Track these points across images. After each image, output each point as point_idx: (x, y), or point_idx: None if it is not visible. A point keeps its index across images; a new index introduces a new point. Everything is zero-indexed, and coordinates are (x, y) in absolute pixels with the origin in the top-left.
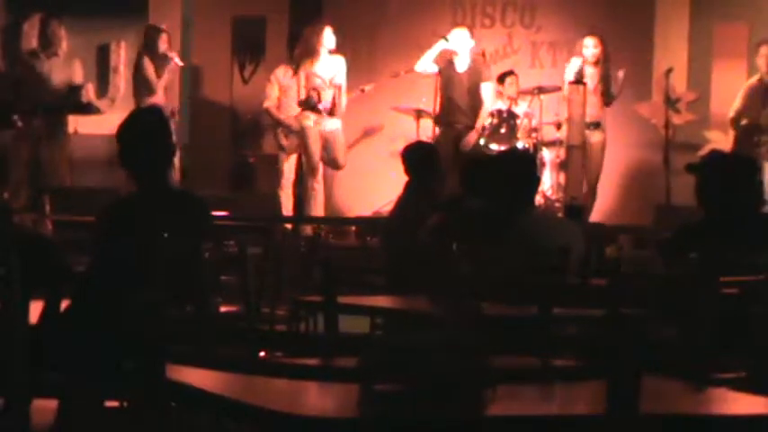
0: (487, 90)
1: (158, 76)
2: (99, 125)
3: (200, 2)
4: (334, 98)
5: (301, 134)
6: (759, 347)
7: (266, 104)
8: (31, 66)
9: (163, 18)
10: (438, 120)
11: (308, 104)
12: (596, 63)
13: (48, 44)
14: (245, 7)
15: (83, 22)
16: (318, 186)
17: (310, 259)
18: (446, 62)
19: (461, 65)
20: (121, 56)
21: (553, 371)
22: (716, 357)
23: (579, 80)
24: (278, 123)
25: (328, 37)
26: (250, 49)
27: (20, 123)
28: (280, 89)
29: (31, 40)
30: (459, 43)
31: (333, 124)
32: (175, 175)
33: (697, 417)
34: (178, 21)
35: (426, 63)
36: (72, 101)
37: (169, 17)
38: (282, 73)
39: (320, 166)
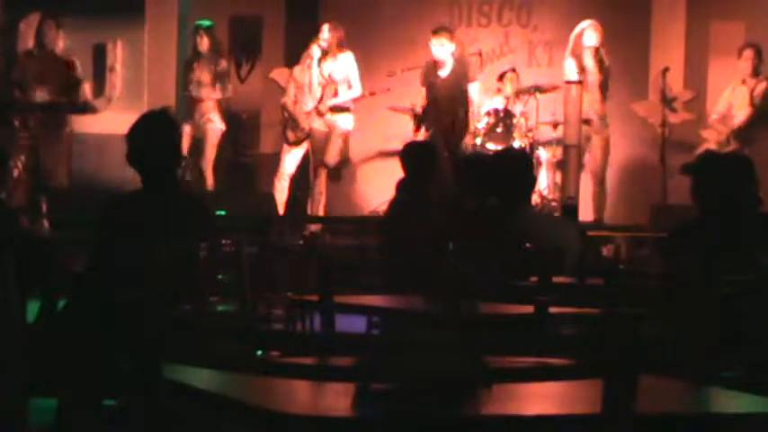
0: (474, 91)
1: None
2: (96, 125)
3: (197, 1)
4: (335, 93)
5: (311, 137)
6: (756, 346)
7: (283, 100)
8: (28, 65)
9: (160, 18)
10: (422, 122)
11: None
12: (597, 51)
13: (44, 44)
14: (242, 6)
15: (80, 22)
16: (319, 188)
17: (307, 258)
18: (429, 67)
19: (444, 70)
20: (118, 55)
21: (549, 370)
22: (713, 356)
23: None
24: (291, 119)
25: (323, 34)
26: (247, 48)
27: (17, 123)
28: (296, 86)
29: (28, 39)
30: (439, 52)
31: (341, 122)
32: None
33: (694, 416)
34: (175, 20)
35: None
36: (69, 100)
37: (166, 16)
38: (299, 71)
39: (323, 171)
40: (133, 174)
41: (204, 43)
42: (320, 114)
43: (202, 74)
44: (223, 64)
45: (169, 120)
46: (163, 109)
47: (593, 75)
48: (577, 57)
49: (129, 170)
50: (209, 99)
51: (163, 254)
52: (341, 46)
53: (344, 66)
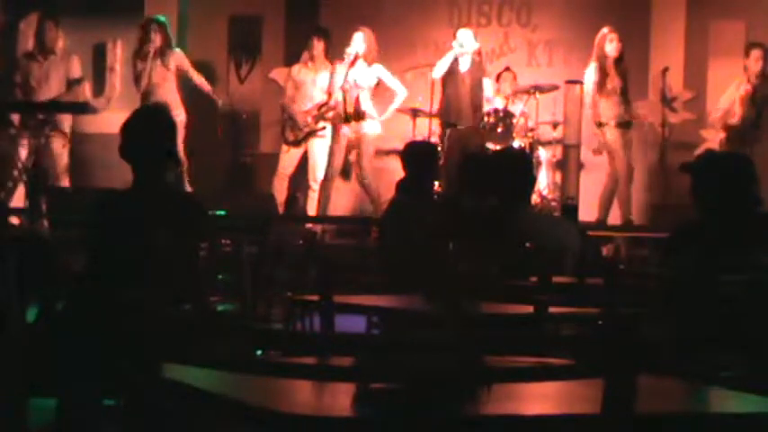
0: (487, 85)
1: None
2: (96, 124)
3: (196, 1)
4: (357, 100)
5: (333, 139)
6: (756, 346)
7: (283, 100)
8: (28, 65)
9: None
10: (441, 119)
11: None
12: (618, 59)
13: (44, 45)
14: (242, 6)
15: (80, 22)
16: (328, 190)
17: (307, 258)
18: (451, 62)
19: (464, 64)
20: (117, 55)
21: (549, 370)
22: (713, 356)
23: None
24: (291, 118)
25: (357, 41)
26: (246, 48)
27: (17, 123)
28: (294, 86)
29: (27, 40)
30: (465, 44)
31: (366, 128)
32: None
33: (694, 416)
34: (175, 19)
35: (442, 69)
36: (70, 98)
37: (166, 16)
38: (297, 70)
39: (337, 174)
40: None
41: (158, 39)
42: (358, 118)
43: (154, 70)
44: (180, 61)
45: (163, 116)
46: (157, 104)
47: (615, 79)
48: (600, 63)
49: (129, 170)
50: (169, 95)
51: (159, 252)
52: (375, 56)
53: (375, 75)
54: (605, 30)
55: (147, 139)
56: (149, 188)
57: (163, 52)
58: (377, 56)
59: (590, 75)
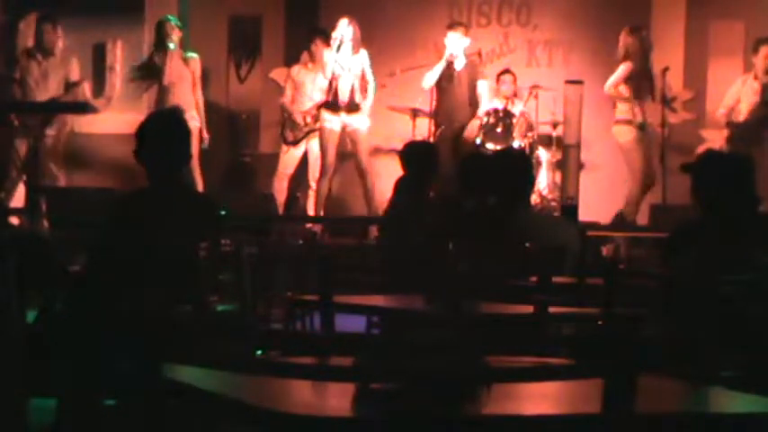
0: (483, 88)
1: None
2: (95, 124)
3: (196, 1)
4: (352, 90)
5: (320, 135)
6: (756, 346)
7: (282, 100)
8: (27, 63)
9: (160, 17)
10: (435, 119)
11: (329, 104)
12: (642, 61)
13: (43, 45)
14: (242, 6)
15: (79, 22)
16: (324, 187)
17: (307, 258)
18: (445, 64)
19: (458, 64)
20: (117, 55)
21: (549, 370)
22: (713, 356)
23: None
24: (290, 118)
25: (342, 27)
26: (246, 48)
27: (16, 122)
28: (293, 86)
29: (27, 39)
30: (455, 45)
31: (357, 122)
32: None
33: (694, 416)
34: None
35: (432, 79)
36: (69, 99)
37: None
38: (297, 71)
39: (331, 169)
40: (132, 174)
41: (176, 38)
42: (352, 110)
43: (176, 69)
44: (195, 66)
45: (178, 119)
46: (173, 108)
47: (641, 81)
48: (627, 62)
49: (129, 170)
50: (186, 96)
51: (172, 253)
52: (360, 41)
53: (362, 62)
54: (626, 29)
55: (162, 143)
56: (163, 190)
57: (179, 53)
58: (361, 43)
59: (616, 74)
